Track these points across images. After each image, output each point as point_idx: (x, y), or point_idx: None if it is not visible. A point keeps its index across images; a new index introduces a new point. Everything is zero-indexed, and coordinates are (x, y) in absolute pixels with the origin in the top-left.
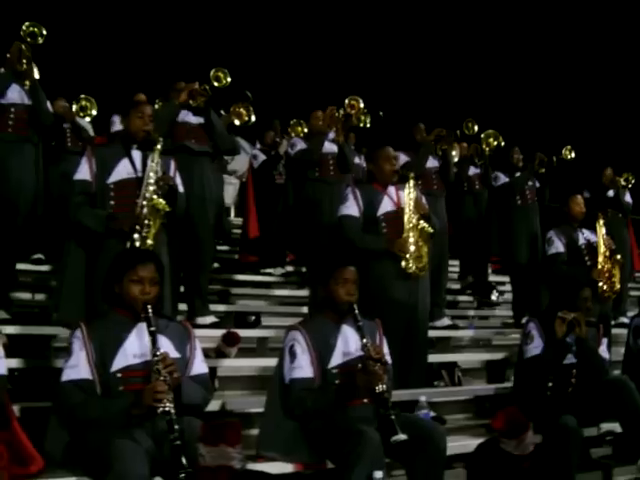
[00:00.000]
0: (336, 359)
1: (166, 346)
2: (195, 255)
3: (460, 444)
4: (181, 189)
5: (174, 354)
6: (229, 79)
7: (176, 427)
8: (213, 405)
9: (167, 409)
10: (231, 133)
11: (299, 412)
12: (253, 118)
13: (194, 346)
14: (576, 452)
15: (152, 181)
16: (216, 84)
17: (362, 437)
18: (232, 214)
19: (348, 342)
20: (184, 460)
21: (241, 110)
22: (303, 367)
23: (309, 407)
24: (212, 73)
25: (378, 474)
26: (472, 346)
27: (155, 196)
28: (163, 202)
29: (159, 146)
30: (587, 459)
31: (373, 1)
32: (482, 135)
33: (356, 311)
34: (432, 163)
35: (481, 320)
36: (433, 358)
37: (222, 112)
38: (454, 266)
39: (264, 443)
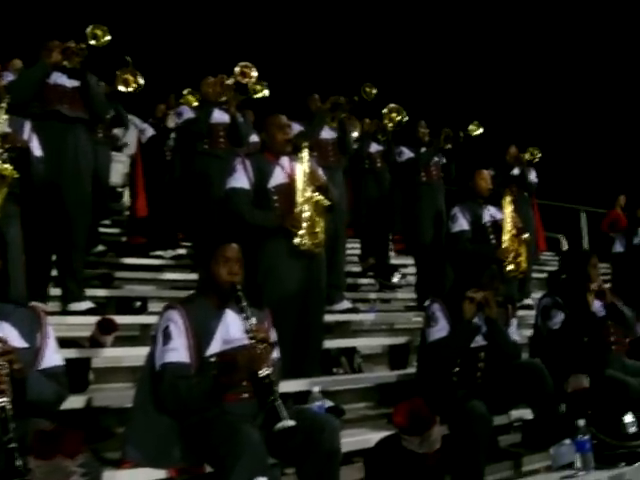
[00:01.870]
0: (215, 346)
1: (9, 334)
2: (66, 233)
3: (359, 439)
4: (38, 153)
5: (19, 343)
6: (108, 37)
7: (12, 426)
8: (77, 402)
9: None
10: (117, 103)
11: (172, 404)
12: (141, 81)
13: (46, 334)
14: (485, 441)
15: None
16: (93, 42)
17: (241, 436)
18: (126, 195)
19: (229, 328)
20: (19, 465)
21: (127, 76)
22: (178, 350)
23: (183, 397)
24: (89, 30)
25: None
26: (373, 330)
27: None
28: (10, 167)
29: (4, 104)
30: (496, 448)
31: None
32: (384, 110)
33: (239, 292)
34: (329, 134)
35: (383, 303)
36: (331, 344)
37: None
38: (355, 248)
39: (130, 445)
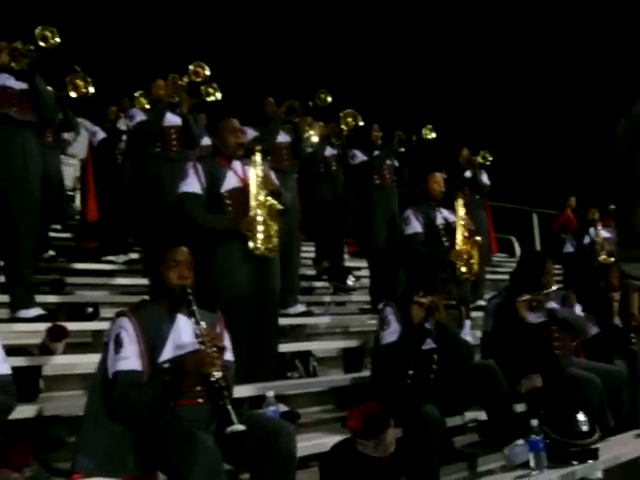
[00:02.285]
0: (167, 352)
1: None
2: (13, 238)
3: (315, 443)
4: None
5: None
6: (57, 39)
7: None
8: (27, 411)
9: None
10: (66, 108)
11: (123, 412)
12: (92, 89)
13: None
14: (439, 443)
15: None
16: (43, 44)
17: (196, 443)
18: (78, 199)
19: (181, 333)
20: None
21: (78, 81)
22: (130, 358)
23: (134, 404)
24: (38, 31)
25: None
26: (328, 334)
27: None
28: None
29: None
30: (451, 449)
31: None
32: (340, 114)
33: (190, 296)
34: (283, 138)
35: (337, 306)
36: (286, 347)
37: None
38: (309, 252)
39: (81, 454)
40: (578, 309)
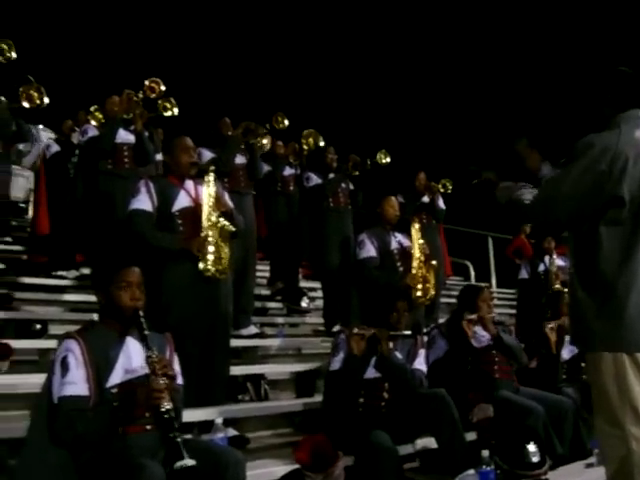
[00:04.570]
0: (116, 377)
1: None
2: None
3: (264, 471)
4: None
5: None
6: (14, 54)
7: None
8: None
9: None
10: (19, 118)
11: (67, 438)
12: (46, 100)
13: None
14: (391, 472)
15: None
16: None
17: (142, 473)
18: (30, 211)
19: (131, 357)
20: None
21: (32, 92)
22: (76, 383)
23: (80, 432)
24: None
25: None
26: (281, 356)
27: None
28: None
29: None
30: (402, 478)
31: None
32: (303, 133)
33: (141, 319)
34: (239, 159)
35: (291, 328)
36: (238, 370)
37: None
38: (264, 271)
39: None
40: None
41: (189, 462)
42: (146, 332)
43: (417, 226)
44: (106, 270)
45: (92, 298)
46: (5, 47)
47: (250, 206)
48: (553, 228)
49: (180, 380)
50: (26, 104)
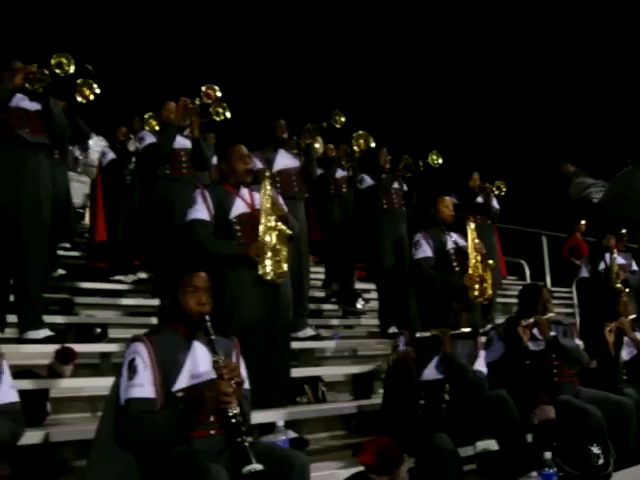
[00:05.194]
0: (182, 381)
1: None
2: (22, 259)
3: (326, 474)
4: None
5: None
6: (73, 68)
7: None
8: (35, 437)
9: None
10: (76, 115)
11: (135, 440)
12: (97, 91)
13: (1, 370)
14: (452, 474)
15: None
16: (58, 71)
17: (207, 476)
18: (87, 217)
19: (198, 362)
20: None
21: (84, 89)
22: (144, 385)
23: (146, 433)
24: (54, 60)
25: None
26: (336, 357)
27: None
28: None
29: None
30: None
31: None
32: (353, 135)
33: (208, 323)
34: (292, 163)
35: (346, 329)
36: (296, 372)
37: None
38: (318, 273)
39: None
40: (578, 342)
41: (257, 467)
42: (212, 337)
43: (472, 226)
44: (173, 275)
45: (149, 302)
46: (64, 61)
47: (302, 211)
48: (625, 227)
49: (247, 384)
50: (79, 98)
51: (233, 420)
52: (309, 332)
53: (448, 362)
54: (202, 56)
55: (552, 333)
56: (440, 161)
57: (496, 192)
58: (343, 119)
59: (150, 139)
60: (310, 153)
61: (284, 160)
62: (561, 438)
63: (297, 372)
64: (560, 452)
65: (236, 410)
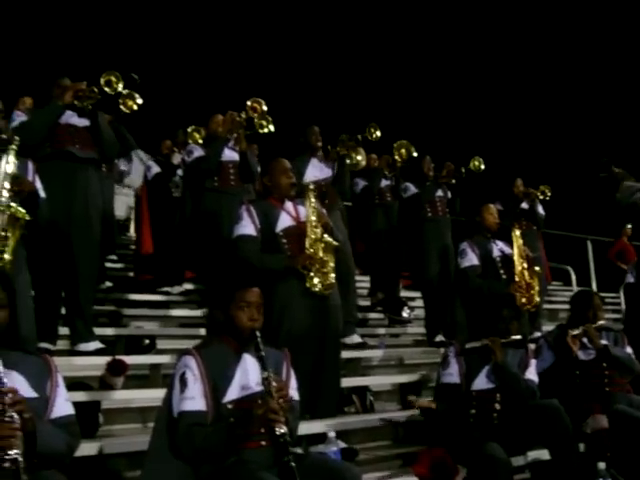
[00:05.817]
0: (232, 393)
1: (19, 384)
2: (73, 274)
3: None
4: (42, 194)
5: (29, 393)
6: (121, 86)
7: (25, 479)
8: (89, 449)
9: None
10: (121, 127)
11: (187, 451)
12: (140, 101)
13: (56, 383)
14: None
15: (8, 186)
16: (108, 90)
17: None
18: (132, 229)
19: (248, 374)
20: None
21: (127, 100)
22: (195, 398)
23: (198, 445)
24: (103, 79)
25: None
26: (383, 366)
27: (13, 203)
28: (23, 210)
29: (14, 145)
30: None
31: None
32: (395, 145)
33: (259, 339)
34: (323, 173)
35: (392, 338)
36: (343, 382)
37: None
38: (364, 281)
39: None
40: (629, 350)
41: None
42: (262, 353)
43: (518, 232)
44: (227, 289)
45: (197, 313)
46: (114, 79)
47: (338, 220)
48: None
49: (297, 396)
50: (123, 108)
51: (281, 440)
52: (356, 339)
53: (500, 371)
54: (238, 68)
55: (602, 342)
56: (483, 167)
57: (541, 197)
58: (379, 133)
59: (198, 152)
60: (344, 165)
61: (314, 171)
62: (616, 448)
63: (345, 382)
64: (615, 462)
65: (283, 429)
